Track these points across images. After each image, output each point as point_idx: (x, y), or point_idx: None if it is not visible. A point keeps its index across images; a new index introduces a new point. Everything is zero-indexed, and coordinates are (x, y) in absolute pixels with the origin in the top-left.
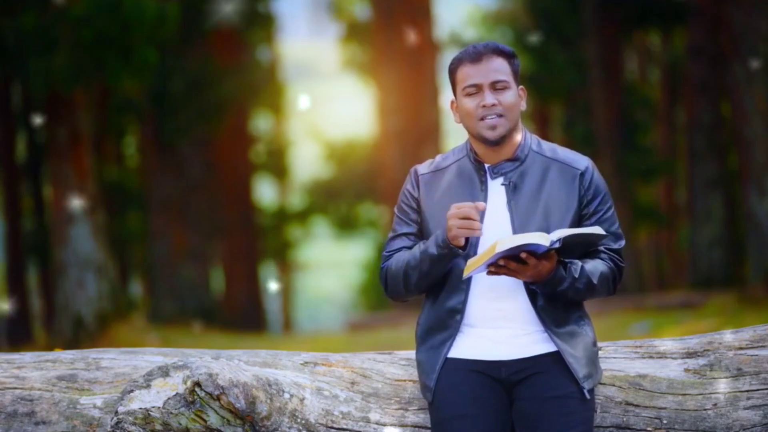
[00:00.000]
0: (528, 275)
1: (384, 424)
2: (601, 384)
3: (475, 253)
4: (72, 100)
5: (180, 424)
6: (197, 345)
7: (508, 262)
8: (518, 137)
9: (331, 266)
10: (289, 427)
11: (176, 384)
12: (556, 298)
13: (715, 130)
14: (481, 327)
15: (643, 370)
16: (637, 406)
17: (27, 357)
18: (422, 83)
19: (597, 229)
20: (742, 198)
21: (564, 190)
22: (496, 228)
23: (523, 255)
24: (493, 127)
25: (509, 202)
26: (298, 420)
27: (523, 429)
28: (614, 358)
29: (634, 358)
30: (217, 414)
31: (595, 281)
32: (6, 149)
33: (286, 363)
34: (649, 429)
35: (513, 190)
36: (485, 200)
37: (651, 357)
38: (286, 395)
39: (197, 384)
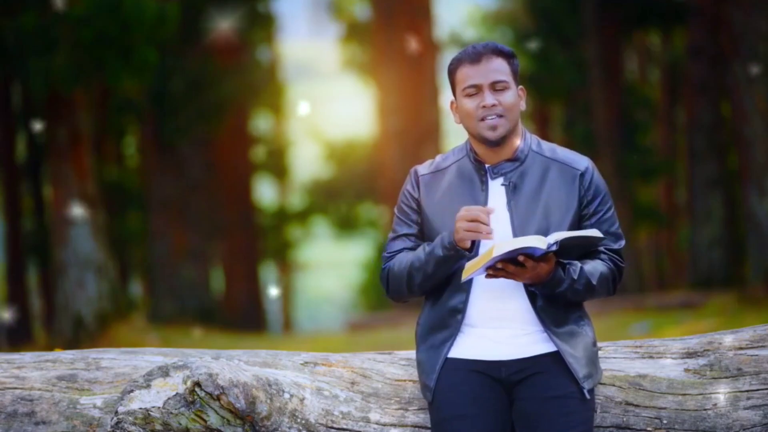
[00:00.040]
0: (526, 278)
1: (384, 424)
2: (601, 384)
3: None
4: (72, 100)
5: (180, 424)
6: (197, 345)
7: (506, 265)
8: (518, 137)
9: (331, 266)
10: (289, 427)
11: (176, 384)
12: (555, 299)
13: (715, 130)
14: (482, 327)
15: (643, 370)
16: (637, 406)
17: (27, 357)
18: (422, 83)
19: (594, 232)
20: (742, 198)
21: (564, 191)
22: (496, 228)
23: (521, 258)
24: (494, 128)
25: (509, 202)
26: (298, 420)
27: (523, 429)
28: (614, 358)
29: (634, 358)
30: (217, 414)
31: (594, 282)
32: (6, 149)
33: (286, 363)
34: (649, 429)
35: (513, 190)
36: (486, 200)
37: (651, 357)
38: (286, 395)
39: (197, 384)
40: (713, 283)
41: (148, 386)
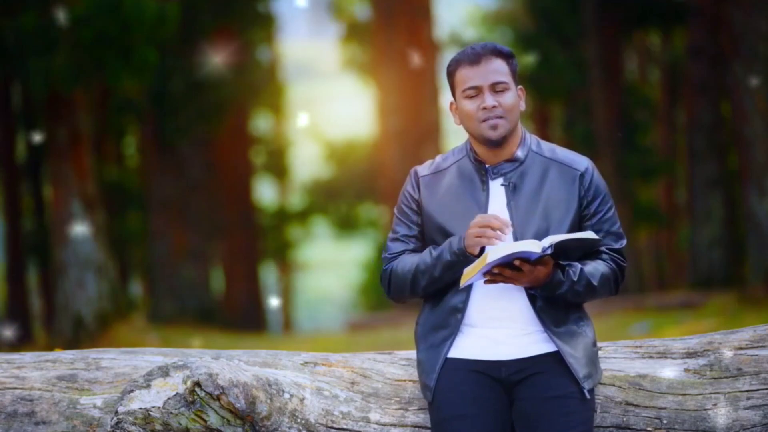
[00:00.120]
0: (524, 281)
1: (384, 424)
2: (601, 384)
3: None
4: (72, 100)
5: (180, 424)
6: (197, 346)
7: (503, 270)
8: (518, 138)
9: (331, 266)
10: (289, 427)
11: (176, 384)
12: (556, 301)
13: (715, 130)
14: (481, 327)
15: (643, 370)
16: (637, 406)
17: (27, 357)
18: (422, 83)
19: (590, 234)
20: (742, 198)
21: (564, 191)
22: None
23: (517, 262)
24: (495, 127)
25: (509, 202)
26: (298, 420)
27: (523, 429)
28: (614, 358)
29: (634, 358)
30: (217, 414)
31: (595, 283)
32: (6, 149)
33: (286, 363)
34: (649, 429)
35: (513, 190)
36: (486, 200)
37: (651, 357)
38: (286, 395)
39: (197, 384)
40: (713, 283)
41: (148, 386)
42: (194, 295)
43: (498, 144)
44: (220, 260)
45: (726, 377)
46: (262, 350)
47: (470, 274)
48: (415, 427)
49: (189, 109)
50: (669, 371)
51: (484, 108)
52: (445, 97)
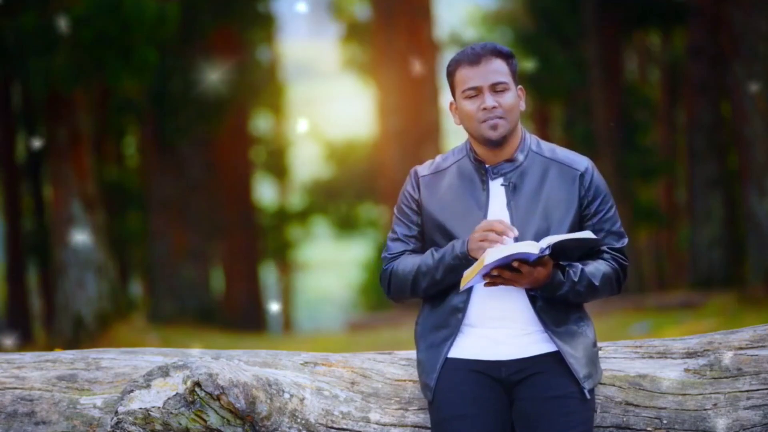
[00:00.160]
0: (524, 283)
1: (384, 424)
2: (601, 384)
3: None
4: (72, 100)
5: (180, 424)
6: (197, 347)
7: (502, 272)
8: (518, 138)
9: (331, 266)
10: (289, 427)
11: (176, 384)
12: (557, 301)
13: (715, 130)
14: (482, 327)
15: (643, 370)
16: (637, 406)
17: (27, 357)
18: (422, 83)
19: (588, 234)
20: (742, 198)
21: (564, 191)
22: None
23: (515, 264)
24: (495, 127)
25: (509, 202)
26: (298, 420)
27: (523, 429)
28: (614, 358)
29: (634, 358)
30: (217, 414)
31: (596, 283)
32: (6, 149)
33: (286, 363)
34: (649, 429)
35: (513, 190)
36: (487, 200)
37: (651, 357)
38: (286, 395)
39: (197, 384)
40: (713, 283)
41: (148, 386)
42: (194, 295)
43: (498, 144)
44: (220, 260)
45: (726, 377)
46: (262, 350)
47: (469, 276)
48: (415, 427)
49: (189, 109)
50: (669, 371)
51: (484, 108)
52: (445, 97)
